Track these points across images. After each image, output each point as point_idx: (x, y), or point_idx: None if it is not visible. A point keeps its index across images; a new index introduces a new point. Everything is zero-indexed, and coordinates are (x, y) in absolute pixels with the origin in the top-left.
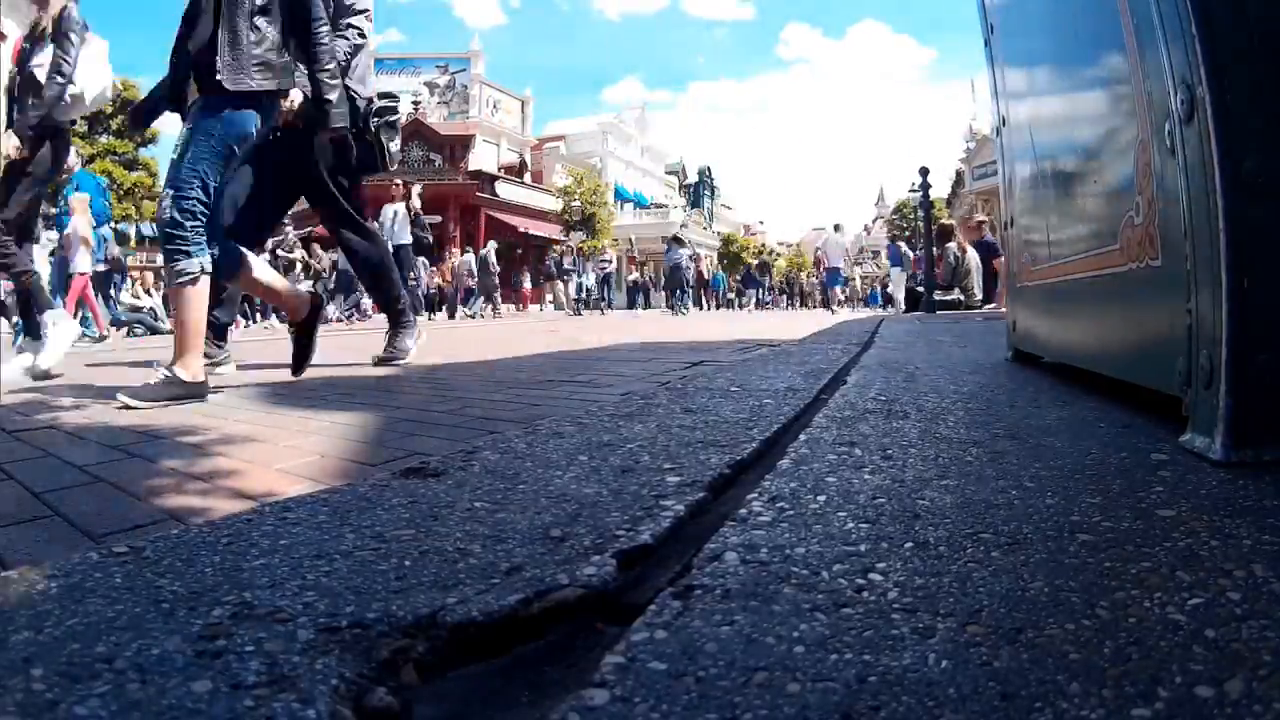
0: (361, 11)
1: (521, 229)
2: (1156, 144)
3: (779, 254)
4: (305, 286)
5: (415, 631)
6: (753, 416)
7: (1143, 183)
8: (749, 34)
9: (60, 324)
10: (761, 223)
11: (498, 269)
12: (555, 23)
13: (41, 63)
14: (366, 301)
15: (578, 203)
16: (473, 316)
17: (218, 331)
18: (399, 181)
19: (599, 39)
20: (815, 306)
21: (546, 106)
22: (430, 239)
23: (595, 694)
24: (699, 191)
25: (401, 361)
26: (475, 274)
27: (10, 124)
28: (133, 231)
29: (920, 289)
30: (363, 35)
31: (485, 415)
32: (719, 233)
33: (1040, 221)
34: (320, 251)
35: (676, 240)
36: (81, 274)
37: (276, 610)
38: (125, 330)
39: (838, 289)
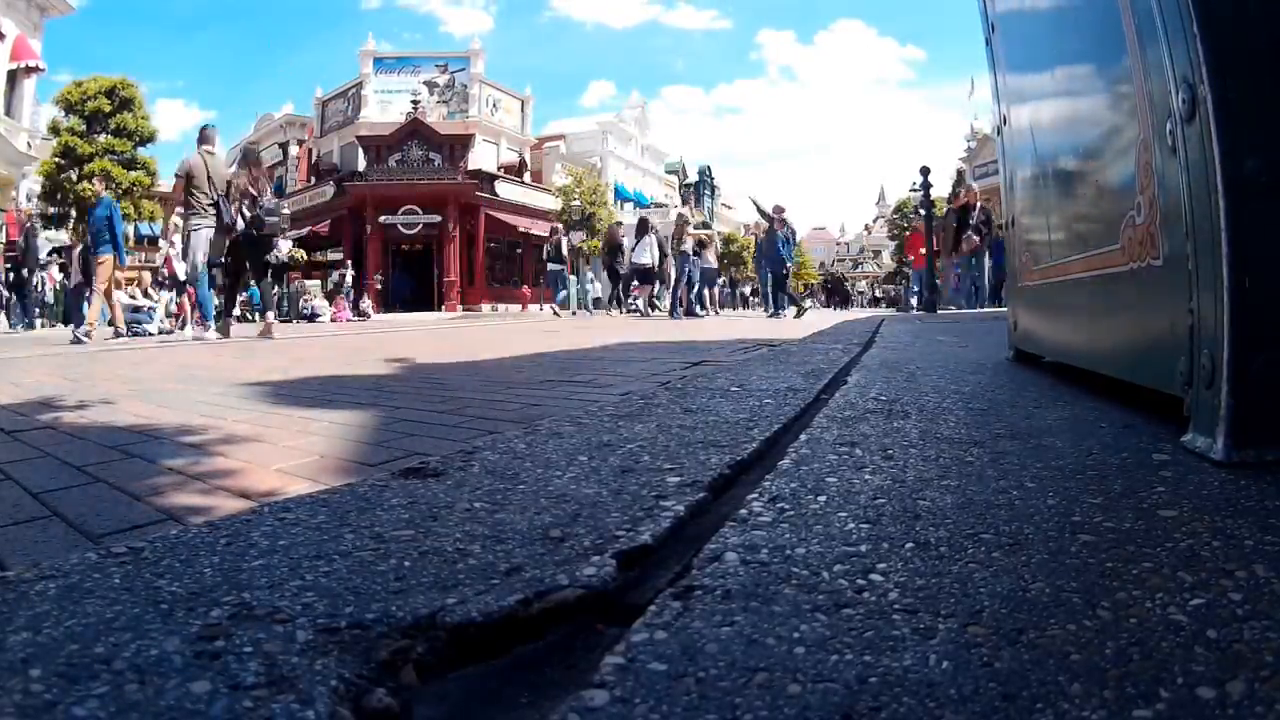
0: None
1: (521, 229)
2: (1158, 143)
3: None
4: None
5: (414, 632)
6: (753, 417)
7: (1144, 182)
8: (726, 41)
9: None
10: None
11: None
12: (537, 33)
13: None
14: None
15: (577, 202)
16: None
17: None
18: None
19: (580, 48)
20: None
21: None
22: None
23: (595, 695)
24: (699, 191)
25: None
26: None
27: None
28: (131, 231)
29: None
30: None
31: (485, 415)
32: (719, 232)
33: (1041, 221)
34: None
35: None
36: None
37: (275, 611)
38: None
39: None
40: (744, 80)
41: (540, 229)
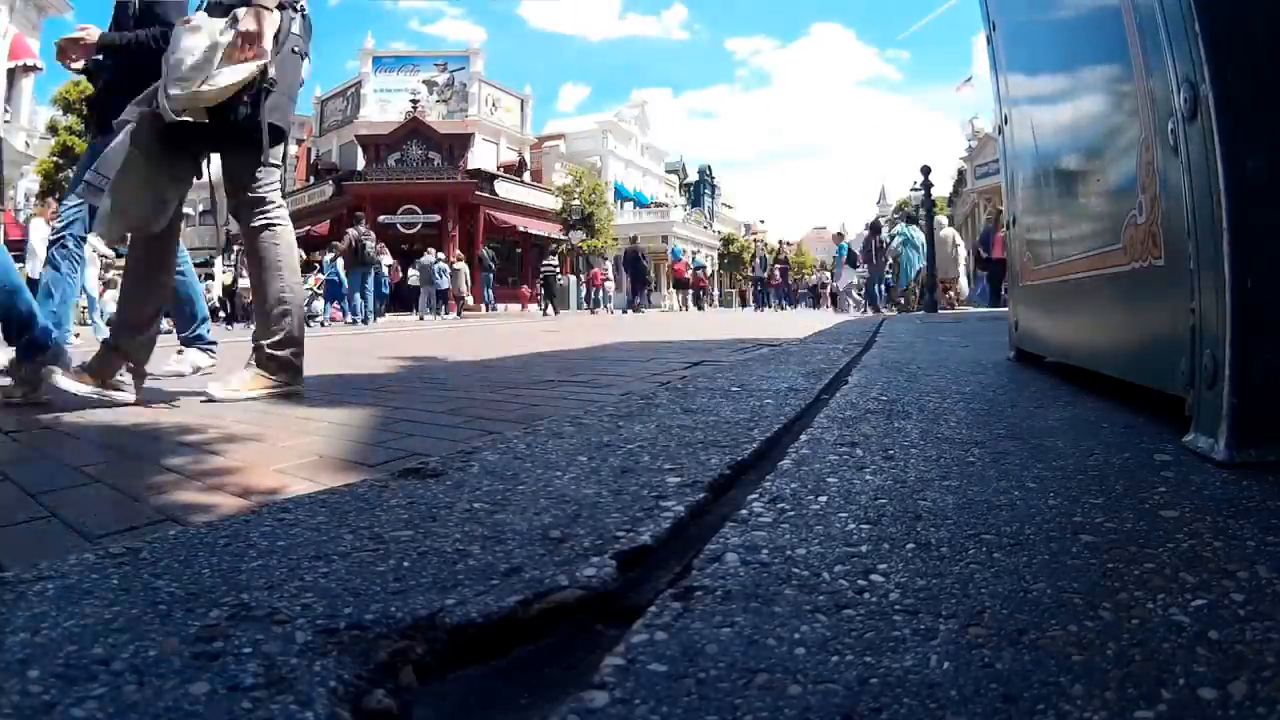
0: None
1: (521, 228)
2: (1159, 142)
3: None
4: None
5: (414, 633)
6: (753, 417)
7: (1145, 181)
8: (701, 48)
9: None
10: (762, 222)
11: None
12: (514, 45)
13: None
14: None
15: (577, 202)
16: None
17: None
18: None
19: (554, 58)
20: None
21: None
22: None
23: (595, 696)
24: (699, 190)
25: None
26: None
27: None
28: None
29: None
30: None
31: (484, 415)
32: (718, 232)
33: (1042, 220)
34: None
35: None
36: None
37: (274, 612)
38: None
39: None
40: (720, 85)
41: (540, 229)
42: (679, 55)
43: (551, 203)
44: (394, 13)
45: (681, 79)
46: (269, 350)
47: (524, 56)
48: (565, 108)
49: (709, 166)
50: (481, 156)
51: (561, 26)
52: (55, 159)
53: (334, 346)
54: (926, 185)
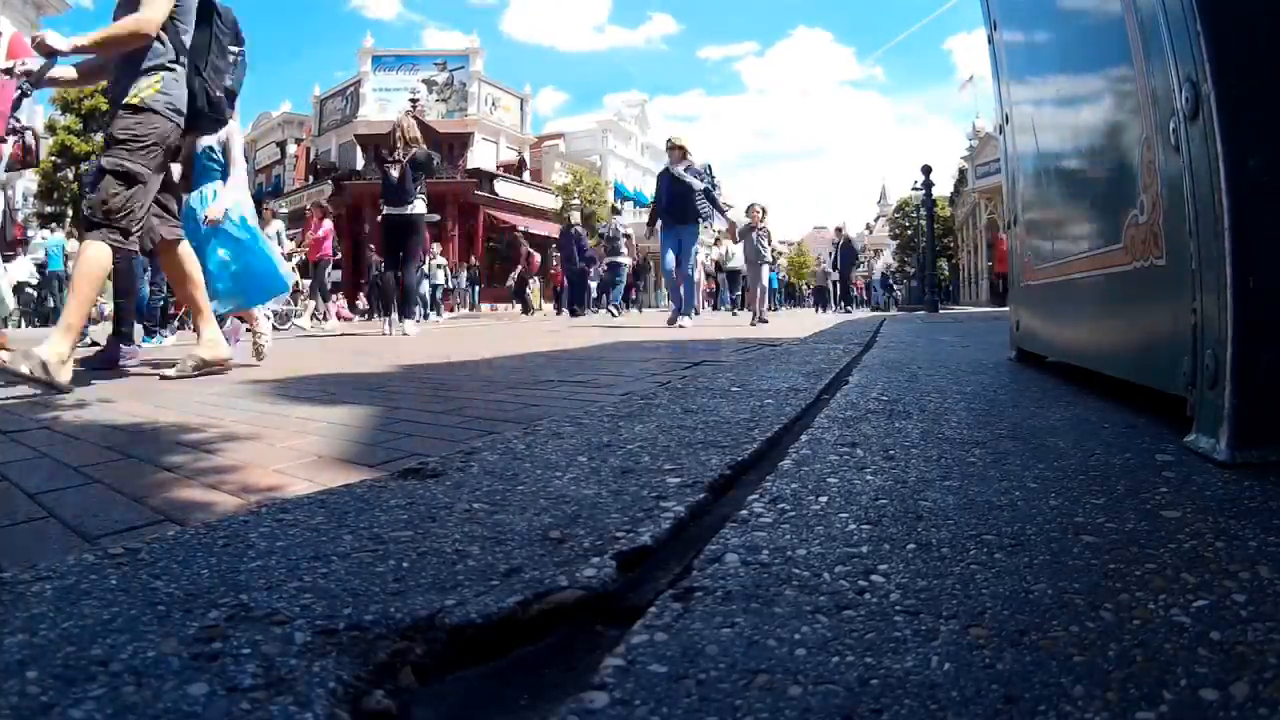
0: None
1: (521, 228)
2: (1160, 141)
3: (780, 252)
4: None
5: (413, 634)
6: (754, 417)
7: (1146, 180)
8: (677, 56)
9: None
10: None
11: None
12: (503, 55)
13: None
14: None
15: (577, 201)
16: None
17: None
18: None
19: (543, 68)
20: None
21: None
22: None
23: (595, 696)
24: None
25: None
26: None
27: None
28: None
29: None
30: None
31: (484, 415)
32: (719, 231)
33: (1043, 220)
34: None
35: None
36: None
37: (273, 612)
38: None
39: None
40: (695, 90)
41: (540, 228)
42: (655, 62)
43: (551, 202)
44: (380, 24)
45: (658, 84)
46: None
47: (505, 65)
48: (544, 111)
49: (709, 165)
50: (481, 156)
51: (542, 39)
52: (54, 159)
53: (335, 346)
54: (927, 185)
